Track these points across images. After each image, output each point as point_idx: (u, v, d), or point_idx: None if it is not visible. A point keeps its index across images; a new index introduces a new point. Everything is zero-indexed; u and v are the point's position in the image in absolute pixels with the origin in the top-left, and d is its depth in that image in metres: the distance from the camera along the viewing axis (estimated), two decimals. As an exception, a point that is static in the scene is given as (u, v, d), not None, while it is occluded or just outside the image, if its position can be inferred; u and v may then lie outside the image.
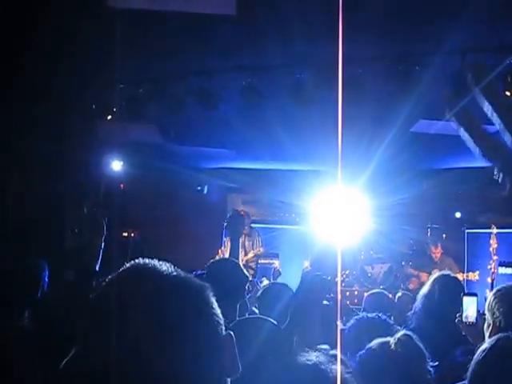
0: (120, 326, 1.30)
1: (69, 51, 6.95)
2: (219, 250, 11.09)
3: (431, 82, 6.69)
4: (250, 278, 10.21)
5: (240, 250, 11.06)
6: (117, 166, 11.40)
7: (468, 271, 11.17)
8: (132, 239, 12.10)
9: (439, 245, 11.51)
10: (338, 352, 2.50)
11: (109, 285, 1.41)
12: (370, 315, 4.19)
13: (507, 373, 2.09)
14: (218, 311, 1.42)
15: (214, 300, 1.43)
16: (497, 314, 3.27)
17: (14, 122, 8.46)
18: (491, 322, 3.30)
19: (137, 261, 1.43)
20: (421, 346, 3.05)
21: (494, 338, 2.25)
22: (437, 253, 11.37)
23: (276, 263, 11.48)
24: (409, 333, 3.12)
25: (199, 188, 13.31)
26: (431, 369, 3.03)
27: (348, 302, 11.34)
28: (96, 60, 7.12)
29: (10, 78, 7.46)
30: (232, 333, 1.42)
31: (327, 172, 10.91)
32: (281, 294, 5.33)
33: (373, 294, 6.60)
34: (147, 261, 1.43)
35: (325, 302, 6.80)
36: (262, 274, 11.15)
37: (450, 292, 4.52)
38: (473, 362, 2.19)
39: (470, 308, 3.86)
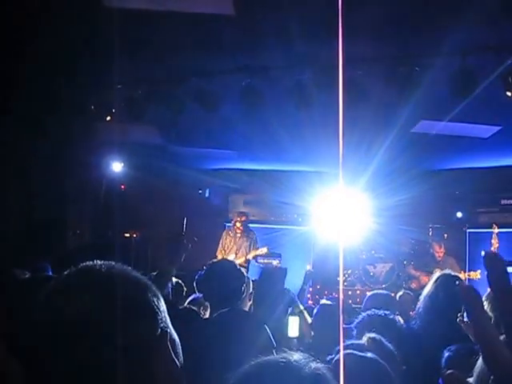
0: (60, 321, 1.35)
1: (68, 53, 6.94)
2: (218, 250, 11.11)
3: (432, 83, 6.67)
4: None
5: (236, 250, 11.06)
6: (117, 167, 11.40)
7: (470, 270, 11.15)
8: (134, 240, 12.10)
9: (443, 244, 11.49)
10: (341, 351, 2.50)
11: (54, 285, 1.45)
12: (372, 313, 4.19)
13: None
14: (159, 307, 1.44)
15: (158, 299, 1.45)
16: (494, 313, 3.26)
17: (15, 123, 8.46)
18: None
19: (86, 263, 1.48)
20: (391, 347, 3.06)
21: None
22: (440, 252, 11.35)
23: (275, 263, 11.46)
24: (378, 336, 3.13)
25: (200, 191, 13.30)
26: (402, 370, 3.03)
27: (350, 302, 11.35)
28: (95, 61, 7.10)
29: (11, 81, 7.45)
30: (169, 330, 1.44)
31: (329, 173, 10.90)
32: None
33: (374, 294, 6.58)
34: (95, 262, 1.47)
35: (328, 302, 6.81)
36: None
37: (452, 291, 4.51)
38: (478, 363, 2.17)
39: None
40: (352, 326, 4.22)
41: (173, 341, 1.46)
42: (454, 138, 9.22)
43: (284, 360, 1.49)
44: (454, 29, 5.66)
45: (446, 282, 4.68)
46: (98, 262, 1.47)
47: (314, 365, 1.49)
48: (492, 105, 7.61)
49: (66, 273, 1.46)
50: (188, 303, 6.14)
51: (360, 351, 2.75)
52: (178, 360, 1.46)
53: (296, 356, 1.51)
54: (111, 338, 1.33)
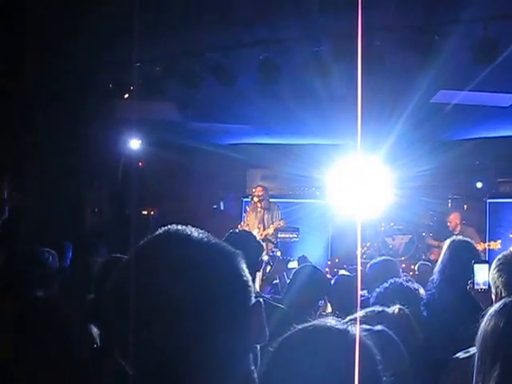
0: (149, 292, 1.30)
1: (85, 29, 6.92)
2: (239, 225, 11.09)
3: (452, 52, 6.59)
4: (278, 253, 10.23)
5: (258, 224, 11.10)
6: (135, 144, 11.39)
7: (490, 240, 11.07)
8: (152, 217, 12.12)
9: (456, 213, 11.33)
10: (358, 318, 2.51)
11: (139, 251, 1.41)
12: (394, 282, 4.18)
13: None
14: (249, 277, 1.42)
15: (244, 266, 1.42)
16: (497, 283, 3.25)
17: (32, 100, 8.44)
18: (494, 291, 3.28)
19: (168, 227, 1.44)
20: (415, 323, 3.06)
21: (500, 302, 2.21)
22: (451, 220, 11.17)
23: (292, 237, 11.50)
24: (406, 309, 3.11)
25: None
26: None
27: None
28: (112, 39, 7.08)
29: (26, 55, 7.45)
30: (261, 300, 1.41)
31: (347, 145, 10.84)
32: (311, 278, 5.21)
33: (375, 262, 6.41)
34: (179, 227, 1.42)
35: (347, 273, 6.81)
36: (281, 248, 11.14)
37: (460, 257, 4.47)
38: (480, 328, 2.16)
39: (481, 275, 3.83)
40: (372, 295, 4.20)
41: (263, 310, 1.42)
42: (474, 107, 9.14)
43: (327, 325, 1.53)
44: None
45: (454, 247, 4.64)
46: (182, 227, 1.42)
47: (353, 328, 1.53)
48: (512, 73, 7.52)
49: (148, 238, 1.42)
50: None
51: (386, 318, 2.75)
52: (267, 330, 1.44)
53: (333, 321, 1.56)
54: (202, 310, 1.30)
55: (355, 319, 2.71)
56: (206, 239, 1.40)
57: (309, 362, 1.47)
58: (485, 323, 2.14)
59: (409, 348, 2.57)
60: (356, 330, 1.53)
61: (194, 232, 1.41)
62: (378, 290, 4.10)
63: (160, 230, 1.44)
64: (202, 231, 1.43)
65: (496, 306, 2.18)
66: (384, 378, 1.55)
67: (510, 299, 2.19)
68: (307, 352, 1.49)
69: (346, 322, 1.57)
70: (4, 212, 2.80)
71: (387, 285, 4.10)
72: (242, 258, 1.43)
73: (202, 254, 1.36)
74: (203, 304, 1.30)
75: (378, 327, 2.50)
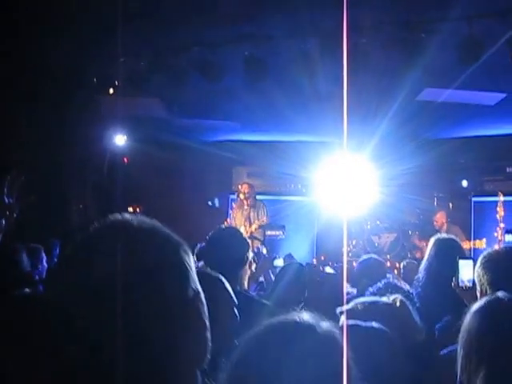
0: (91, 277, 1.30)
1: (69, 25, 6.88)
2: (225, 222, 11.08)
3: (437, 50, 6.60)
4: (264, 250, 10.22)
5: (244, 222, 11.11)
6: (120, 140, 11.34)
7: (475, 239, 11.12)
8: (137, 214, 12.06)
9: (442, 212, 11.40)
10: (344, 316, 2.49)
11: (84, 240, 1.40)
12: (387, 281, 4.20)
13: (498, 333, 2.07)
14: (191, 269, 1.40)
15: (189, 257, 1.41)
16: (482, 280, 3.26)
17: (15, 94, 8.38)
18: (479, 289, 3.29)
19: (115, 215, 1.43)
20: (414, 314, 3.07)
21: (483, 299, 2.21)
22: (437, 219, 11.25)
23: (278, 234, 11.50)
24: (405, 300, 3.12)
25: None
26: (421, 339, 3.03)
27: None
28: (97, 34, 7.04)
29: (11, 51, 7.40)
30: (201, 292, 1.40)
31: (333, 142, 10.85)
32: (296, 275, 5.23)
33: (364, 260, 6.41)
34: (126, 215, 1.43)
35: (332, 271, 6.80)
36: (268, 246, 11.14)
37: (445, 254, 4.50)
38: (464, 326, 2.16)
39: (465, 272, 3.83)
40: (366, 294, 4.20)
41: (202, 303, 1.42)
42: (459, 105, 9.17)
43: (297, 320, 1.51)
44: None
45: (439, 245, 4.67)
46: (128, 215, 1.42)
47: (325, 323, 1.51)
48: (498, 71, 7.54)
49: (95, 227, 1.41)
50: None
51: (389, 309, 2.75)
52: (207, 322, 1.42)
53: (306, 316, 1.53)
54: (140, 299, 1.29)
55: (352, 310, 2.70)
56: (148, 226, 1.40)
57: (274, 357, 1.44)
58: (468, 322, 2.13)
59: (406, 343, 2.56)
60: (326, 325, 1.51)
61: (136, 220, 1.41)
62: (370, 289, 4.11)
63: (106, 219, 1.43)
64: (152, 220, 1.43)
65: (479, 304, 2.17)
66: (358, 375, 1.52)
67: (493, 297, 2.19)
68: (274, 347, 1.47)
69: (317, 316, 1.55)
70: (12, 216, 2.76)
71: (380, 285, 4.11)
72: (187, 248, 1.41)
73: (138, 241, 1.35)
74: (134, 288, 1.29)
75: (374, 324, 2.48)
